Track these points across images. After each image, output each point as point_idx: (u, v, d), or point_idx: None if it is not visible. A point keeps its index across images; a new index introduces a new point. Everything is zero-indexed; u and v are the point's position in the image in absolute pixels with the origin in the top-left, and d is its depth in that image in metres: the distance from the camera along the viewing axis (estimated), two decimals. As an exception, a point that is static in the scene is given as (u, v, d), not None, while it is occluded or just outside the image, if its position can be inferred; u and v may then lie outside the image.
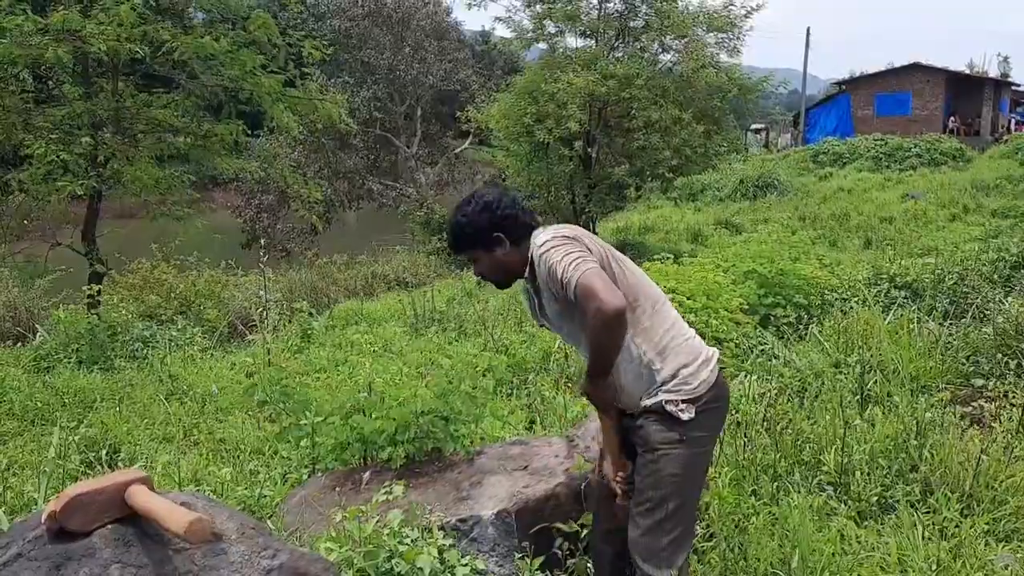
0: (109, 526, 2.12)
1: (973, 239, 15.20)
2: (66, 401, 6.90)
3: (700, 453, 2.81)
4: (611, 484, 2.93)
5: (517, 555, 3.24)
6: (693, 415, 2.73)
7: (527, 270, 2.81)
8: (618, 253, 2.85)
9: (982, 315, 6.97)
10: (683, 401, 2.74)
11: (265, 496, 3.99)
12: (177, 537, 2.01)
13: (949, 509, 3.77)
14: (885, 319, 6.84)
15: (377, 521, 2.94)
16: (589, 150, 18.91)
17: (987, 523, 3.71)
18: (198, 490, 4.19)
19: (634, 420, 2.83)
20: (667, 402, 2.74)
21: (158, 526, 2.06)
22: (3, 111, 10.76)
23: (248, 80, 11.69)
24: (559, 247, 2.62)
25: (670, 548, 2.73)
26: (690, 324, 6.94)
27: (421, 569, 2.59)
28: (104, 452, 5.29)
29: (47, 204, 11.95)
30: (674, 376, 2.76)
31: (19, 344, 10.54)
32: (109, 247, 13.45)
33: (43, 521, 2.10)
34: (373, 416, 3.81)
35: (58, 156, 10.29)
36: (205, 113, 13.30)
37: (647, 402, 2.78)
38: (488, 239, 2.83)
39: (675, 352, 2.78)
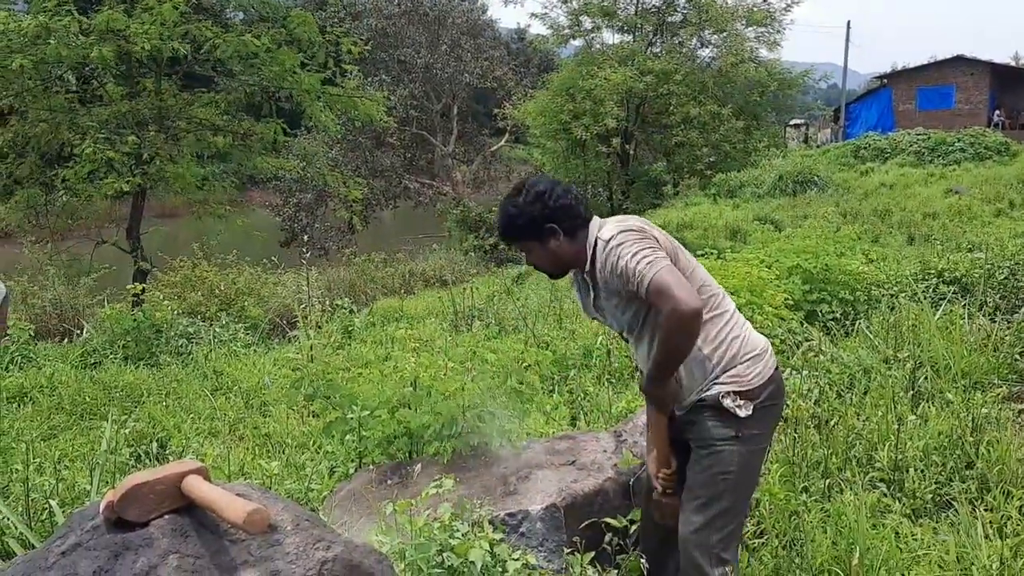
0: (166, 516, 2.12)
1: (1020, 235, 14.89)
2: (114, 396, 7.00)
3: (755, 451, 2.76)
4: (653, 480, 2.88)
5: (566, 550, 3.22)
6: (751, 412, 2.67)
7: (587, 263, 2.73)
8: (681, 247, 2.77)
9: (1035, 311, 6.81)
10: (740, 396, 2.67)
11: (313, 490, 4.00)
12: (235, 527, 2.01)
13: (1008, 507, 3.68)
14: (935, 314, 6.71)
15: (427, 513, 2.92)
16: (626, 147, 18.84)
17: (1049, 522, 3.62)
18: (248, 482, 4.21)
19: (688, 414, 2.78)
20: (724, 395, 2.68)
21: (216, 516, 2.06)
22: (49, 111, 10.93)
23: (288, 79, 11.77)
24: (629, 243, 2.55)
25: (721, 545, 2.69)
26: (734, 320, 6.82)
27: (473, 563, 2.57)
28: (153, 445, 5.36)
29: (91, 203, 12.13)
30: (728, 368, 2.70)
31: (66, 340, 10.71)
32: (151, 246, 13.63)
33: (101, 511, 2.11)
34: (419, 410, 3.80)
35: (105, 155, 10.43)
36: (244, 112, 13.42)
37: (703, 395, 2.72)
38: (541, 230, 2.73)
39: (730, 344, 2.72)
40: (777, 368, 2.83)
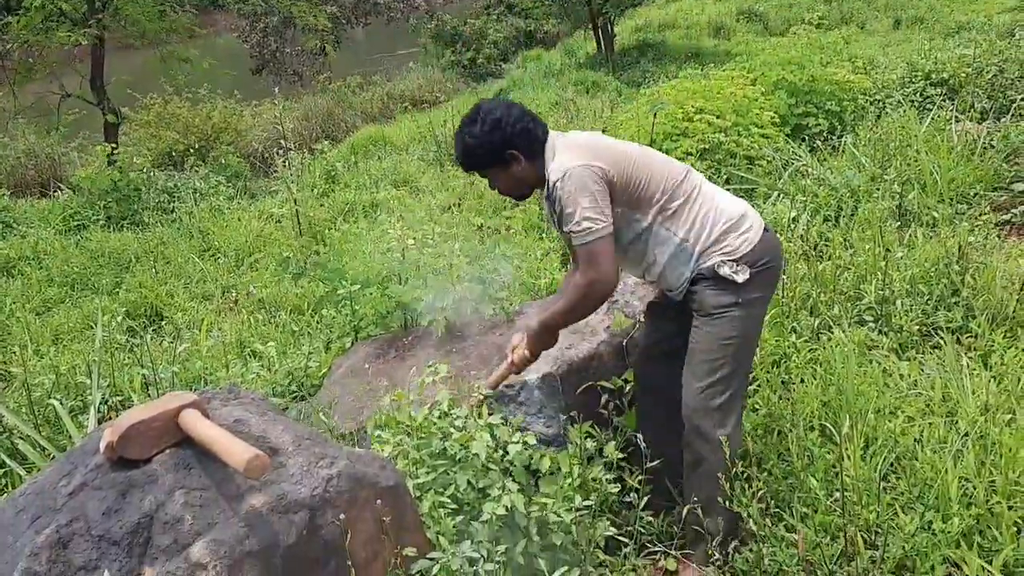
0: (168, 451, 2.15)
1: (1008, 10, 14.55)
2: (102, 263, 6.95)
3: (755, 315, 2.80)
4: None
5: (563, 416, 3.29)
6: (748, 276, 2.70)
7: (545, 187, 2.78)
8: (636, 151, 2.84)
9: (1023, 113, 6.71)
10: (736, 262, 2.71)
11: (311, 367, 4.05)
12: (235, 472, 2.03)
13: (994, 335, 3.75)
14: (922, 122, 6.60)
15: (426, 407, 2.97)
16: (602, -55, 17.86)
17: (1031, 349, 3.69)
18: (246, 362, 4.26)
19: (689, 286, 2.81)
20: (719, 265, 2.71)
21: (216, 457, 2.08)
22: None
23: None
24: (578, 192, 2.62)
25: (722, 410, 2.75)
26: (720, 144, 6.71)
27: (476, 455, 2.62)
28: (147, 319, 5.37)
29: (49, 51, 11.60)
30: (711, 246, 2.74)
31: (44, 198, 10.57)
32: (119, 86, 13.12)
33: (102, 451, 2.13)
34: (410, 283, 3.79)
35: (56, 5, 9.87)
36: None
37: (699, 270, 2.76)
38: (503, 157, 2.79)
39: (704, 221, 2.77)
40: (766, 229, 2.83)
